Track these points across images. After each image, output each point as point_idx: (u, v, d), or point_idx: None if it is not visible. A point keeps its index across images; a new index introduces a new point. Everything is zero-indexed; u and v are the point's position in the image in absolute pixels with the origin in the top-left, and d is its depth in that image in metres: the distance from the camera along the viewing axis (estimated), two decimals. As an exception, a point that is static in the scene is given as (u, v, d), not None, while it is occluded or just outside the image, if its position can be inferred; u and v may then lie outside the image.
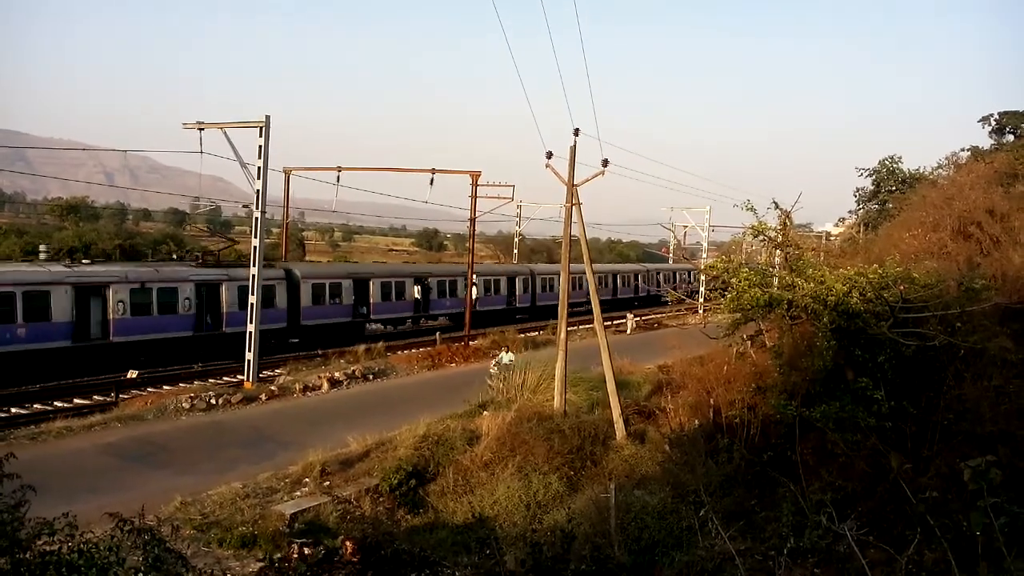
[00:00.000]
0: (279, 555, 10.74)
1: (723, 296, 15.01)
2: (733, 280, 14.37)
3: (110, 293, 26.75)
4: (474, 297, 39.84)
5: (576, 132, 18.94)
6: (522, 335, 36.14)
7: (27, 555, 5.40)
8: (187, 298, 29.14)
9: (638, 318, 46.72)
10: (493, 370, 22.84)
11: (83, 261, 29.56)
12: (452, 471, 15.44)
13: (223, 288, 30.22)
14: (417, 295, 40.57)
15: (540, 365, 21.57)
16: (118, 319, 26.86)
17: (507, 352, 24.36)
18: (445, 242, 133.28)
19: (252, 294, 23.84)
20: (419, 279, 41.04)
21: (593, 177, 19.90)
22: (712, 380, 17.28)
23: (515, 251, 58.00)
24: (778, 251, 16.92)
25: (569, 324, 21.27)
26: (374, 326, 39.12)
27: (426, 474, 15.51)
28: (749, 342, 17.93)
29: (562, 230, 21.04)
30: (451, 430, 17.18)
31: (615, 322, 42.90)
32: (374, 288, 37.54)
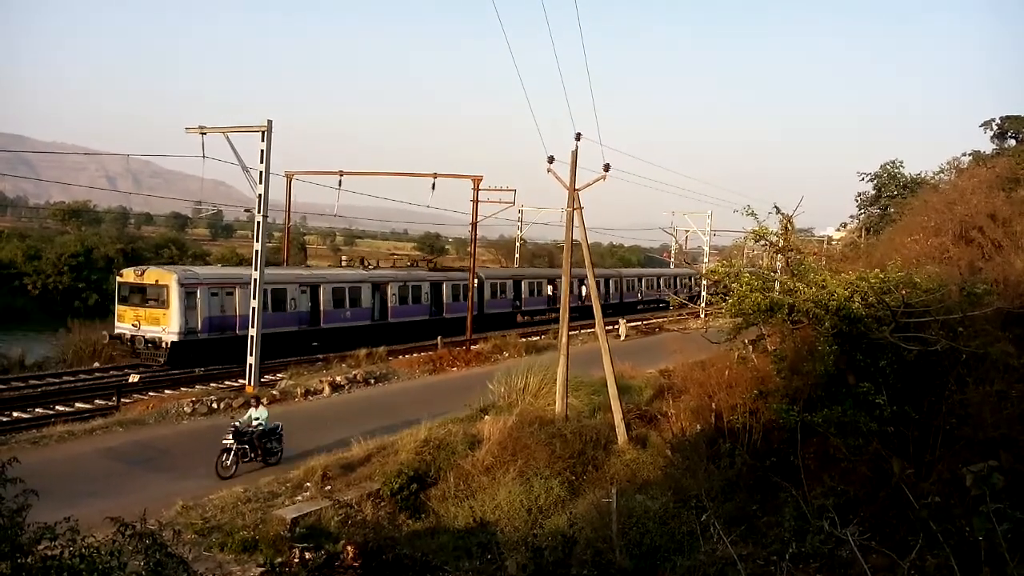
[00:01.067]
0: (280, 560, 10.75)
1: (724, 300, 15.00)
2: (734, 284, 14.36)
3: (388, 289, 37.64)
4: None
5: (578, 137, 18.96)
6: (523, 339, 36.13)
7: (28, 560, 5.39)
8: (425, 292, 39.90)
9: (639, 322, 46.72)
10: (226, 441, 15.59)
11: (368, 265, 41.58)
12: (453, 475, 15.42)
13: (444, 286, 40.97)
14: (550, 292, 49.48)
15: (541, 369, 21.53)
16: (393, 306, 37.80)
17: (257, 407, 16.76)
18: (447, 246, 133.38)
19: (254, 298, 23.74)
20: (551, 280, 49.87)
21: (594, 182, 19.90)
22: (714, 385, 17.25)
23: (516, 255, 57.95)
24: (779, 256, 16.90)
25: (570, 328, 21.24)
26: (521, 316, 48.06)
27: (427, 478, 15.48)
28: (751, 347, 17.90)
29: (564, 234, 21.04)
30: (452, 434, 17.17)
31: (615, 327, 42.86)
32: (525, 287, 47.95)
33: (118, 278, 30.75)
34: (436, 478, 15.57)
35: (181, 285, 28.24)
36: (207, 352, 28.16)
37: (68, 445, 17.16)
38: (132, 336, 28.75)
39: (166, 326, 27.91)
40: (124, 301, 29.60)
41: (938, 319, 11.78)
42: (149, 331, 28.28)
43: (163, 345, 27.89)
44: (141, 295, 29.12)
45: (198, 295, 28.51)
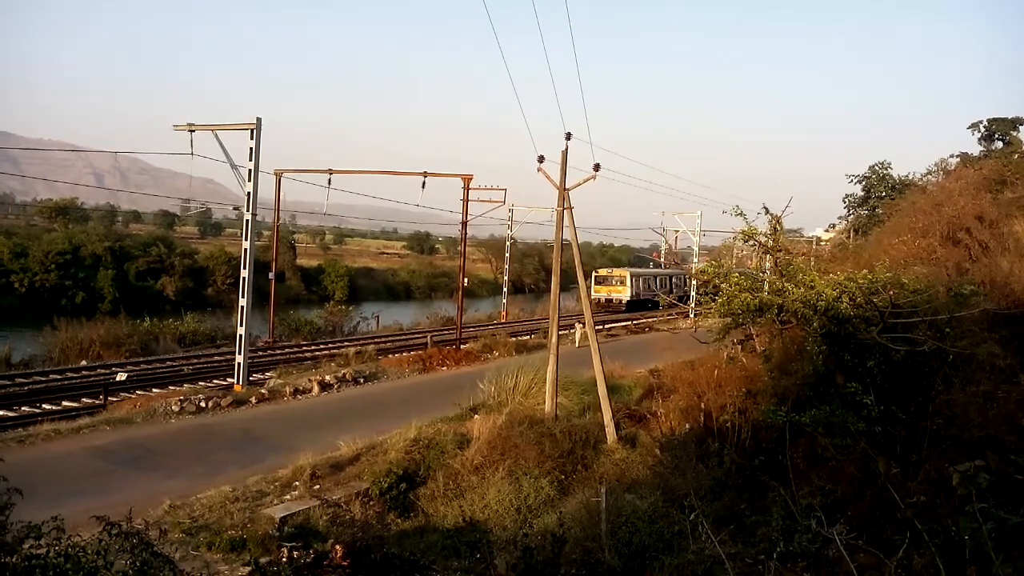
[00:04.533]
0: (268, 559, 10.69)
1: (714, 300, 15.03)
2: (723, 285, 14.39)
3: (658, 279, 65.57)
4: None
5: (568, 136, 18.96)
6: (513, 339, 36.13)
7: (13, 559, 5.35)
8: (677, 282, 66.18)
9: (630, 322, 46.87)
10: None
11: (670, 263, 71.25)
12: (443, 475, 15.38)
13: (655, 278, 65.11)
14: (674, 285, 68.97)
15: (531, 369, 21.52)
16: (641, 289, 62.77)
17: None
18: (437, 245, 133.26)
19: (242, 296, 23.72)
20: (673, 276, 68.74)
21: (584, 181, 19.92)
22: (703, 384, 17.29)
23: (507, 255, 57.97)
24: (768, 256, 16.95)
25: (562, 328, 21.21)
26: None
27: (416, 478, 15.45)
28: (739, 347, 17.95)
29: (554, 234, 21.03)
30: (442, 434, 17.13)
31: (610, 328, 42.92)
32: (667, 280, 66.74)
33: (595, 273, 60.38)
34: (425, 477, 15.54)
35: (631, 276, 60.30)
36: (637, 305, 57.91)
37: (54, 444, 17.02)
38: (606, 299, 58.28)
39: (624, 294, 58.95)
40: (600, 284, 59.13)
41: (925, 320, 11.84)
42: (615, 296, 59.06)
43: (622, 303, 58.10)
44: (610, 280, 60.17)
45: (632, 279, 59.97)
